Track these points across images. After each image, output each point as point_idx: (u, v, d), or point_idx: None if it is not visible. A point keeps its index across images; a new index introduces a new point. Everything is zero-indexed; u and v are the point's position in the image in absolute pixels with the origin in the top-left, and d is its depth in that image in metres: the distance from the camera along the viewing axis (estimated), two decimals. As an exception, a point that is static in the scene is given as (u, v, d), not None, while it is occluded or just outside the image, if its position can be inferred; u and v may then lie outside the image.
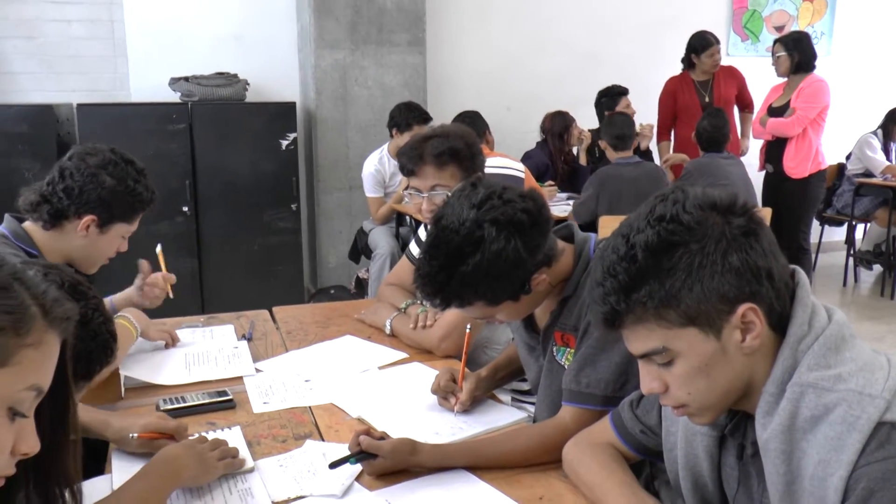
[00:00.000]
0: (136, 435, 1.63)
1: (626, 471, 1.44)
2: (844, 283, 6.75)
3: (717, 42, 5.66)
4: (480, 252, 1.53)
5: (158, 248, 2.55)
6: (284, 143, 5.24)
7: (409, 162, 2.30)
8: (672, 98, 5.78)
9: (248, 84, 5.37)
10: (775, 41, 5.45)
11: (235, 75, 5.33)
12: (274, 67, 5.72)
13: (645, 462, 1.58)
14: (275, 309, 2.77)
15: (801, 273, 1.19)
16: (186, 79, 5.19)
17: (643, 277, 1.10)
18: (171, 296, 2.48)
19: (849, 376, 1.06)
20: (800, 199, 5.28)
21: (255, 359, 2.26)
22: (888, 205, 6.30)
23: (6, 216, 2.19)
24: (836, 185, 6.85)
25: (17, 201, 2.18)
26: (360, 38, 5.39)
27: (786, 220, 5.28)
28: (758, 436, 1.13)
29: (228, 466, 1.57)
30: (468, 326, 1.99)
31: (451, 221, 1.56)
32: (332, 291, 5.31)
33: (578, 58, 6.49)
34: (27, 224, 2.16)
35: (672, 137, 5.89)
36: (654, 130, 5.74)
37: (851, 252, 6.78)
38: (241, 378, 2.12)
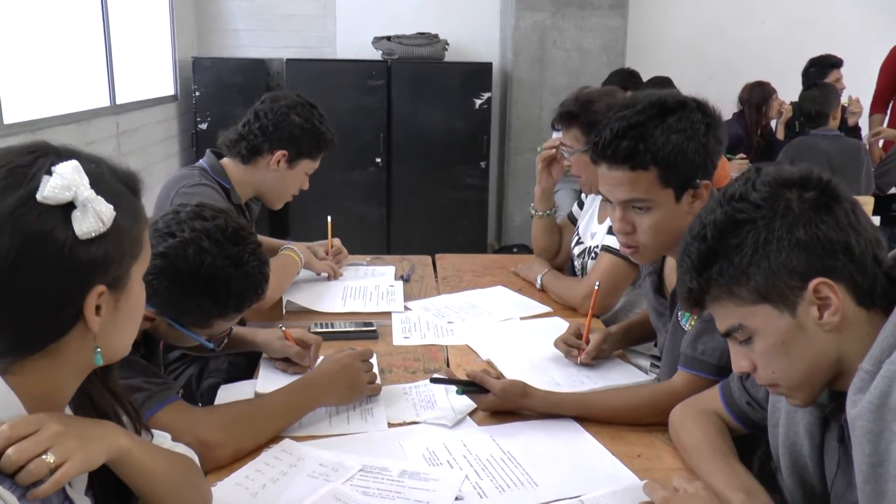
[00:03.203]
0: (283, 328, 1.85)
1: (725, 440, 1.43)
2: None
3: None
4: (681, 113, 1.58)
5: (329, 220, 2.70)
6: (478, 102, 5.36)
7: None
8: (894, 67, 5.29)
9: (448, 44, 5.52)
10: None
11: (436, 35, 5.49)
12: (474, 28, 5.85)
13: (760, 439, 1.54)
14: (437, 256, 2.90)
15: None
16: (388, 38, 5.42)
17: (713, 256, 1.11)
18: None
19: None
20: None
21: (408, 298, 2.40)
22: None
23: (207, 152, 2.43)
24: None
25: (218, 140, 2.43)
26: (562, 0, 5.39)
27: None
28: (847, 412, 1.09)
29: (373, 390, 1.70)
30: (597, 283, 2.00)
31: (657, 94, 1.64)
32: (515, 250, 5.40)
33: (789, 24, 6.09)
34: (225, 160, 2.39)
35: (889, 111, 5.40)
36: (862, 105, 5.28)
37: None
38: (389, 313, 2.26)
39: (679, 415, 1.52)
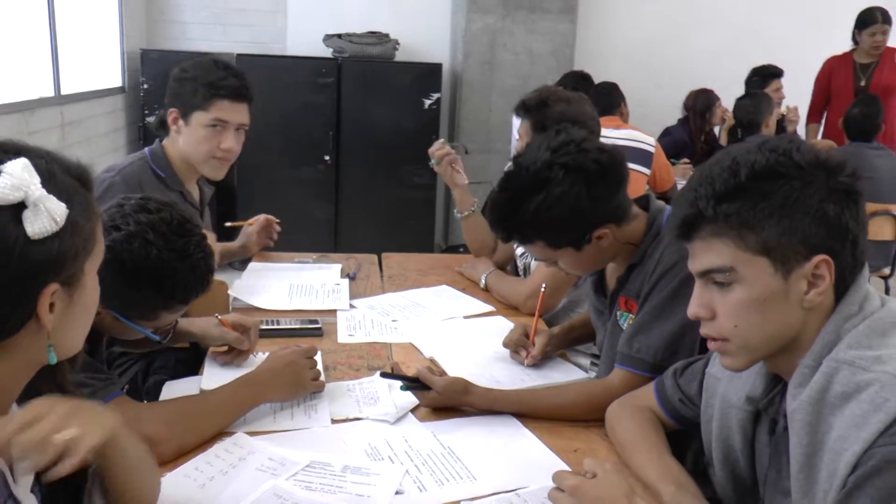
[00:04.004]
0: (218, 316, 1.88)
1: (658, 435, 1.48)
2: None
3: (886, 21, 5.25)
4: (545, 192, 1.59)
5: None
6: (427, 102, 5.41)
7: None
8: (827, 79, 5.46)
9: (398, 44, 5.55)
10: None
11: (387, 35, 5.52)
12: (425, 29, 5.89)
13: (694, 436, 1.60)
14: (383, 255, 2.93)
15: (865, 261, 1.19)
16: (339, 36, 5.43)
17: (739, 192, 1.11)
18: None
19: (888, 360, 1.05)
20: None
21: (353, 296, 2.42)
22: None
23: (157, 140, 2.39)
24: None
25: None
26: (511, 3, 5.45)
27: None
28: (787, 405, 1.14)
29: (317, 386, 1.73)
30: (543, 286, 2.05)
31: (527, 159, 1.64)
32: (461, 249, 5.42)
33: (735, 33, 6.26)
34: (165, 142, 2.35)
35: (823, 121, 5.59)
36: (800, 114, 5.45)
37: None
38: (335, 311, 2.28)
39: (615, 411, 1.58)
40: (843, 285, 1.13)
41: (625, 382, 1.65)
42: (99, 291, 1.04)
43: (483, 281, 2.55)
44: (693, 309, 1.20)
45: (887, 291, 4.92)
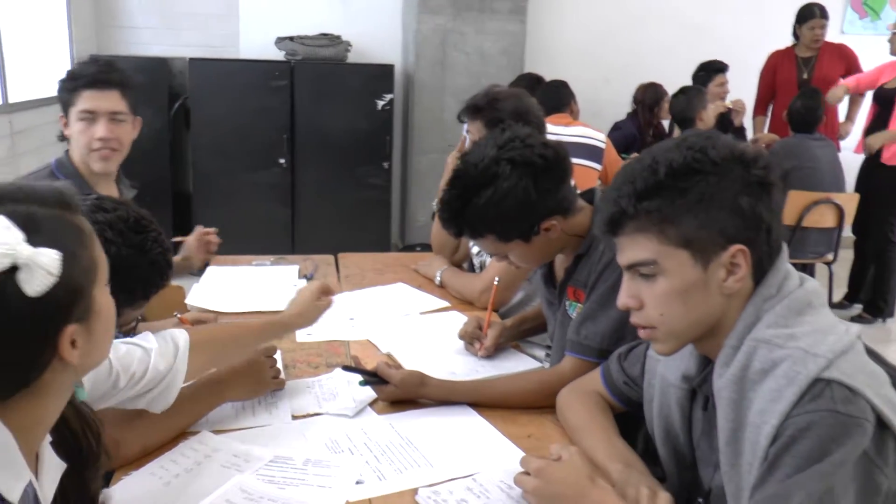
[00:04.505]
0: (178, 315, 1.92)
1: (607, 417, 1.55)
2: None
3: (823, 16, 5.43)
4: (493, 187, 1.66)
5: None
6: (380, 103, 5.44)
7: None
8: (772, 72, 5.63)
9: (351, 46, 5.58)
10: None
11: (339, 37, 5.55)
12: (377, 30, 5.93)
13: (643, 420, 1.68)
14: (340, 255, 2.97)
15: (783, 244, 1.26)
16: (291, 38, 5.44)
17: (658, 190, 1.17)
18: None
19: (801, 336, 1.13)
20: (891, 189, 5.08)
21: (311, 297, 2.45)
22: None
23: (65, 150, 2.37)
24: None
25: None
26: (462, 4, 5.50)
27: (875, 208, 5.11)
28: (714, 383, 1.21)
29: (277, 384, 1.77)
30: (496, 280, 2.12)
31: (474, 157, 1.71)
32: (418, 248, 5.50)
33: (681, 30, 6.40)
34: (69, 149, 2.34)
35: (769, 113, 5.75)
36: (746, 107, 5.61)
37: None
38: (293, 312, 2.32)
39: (565, 396, 1.65)
40: (761, 270, 1.20)
41: (574, 369, 1.72)
42: (113, 303, 1.03)
43: (438, 278, 2.60)
44: (622, 300, 1.26)
45: (831, 277, 5.08)
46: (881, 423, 1.07)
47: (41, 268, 0.86)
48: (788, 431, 1.07)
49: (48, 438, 1.02)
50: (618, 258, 1.26)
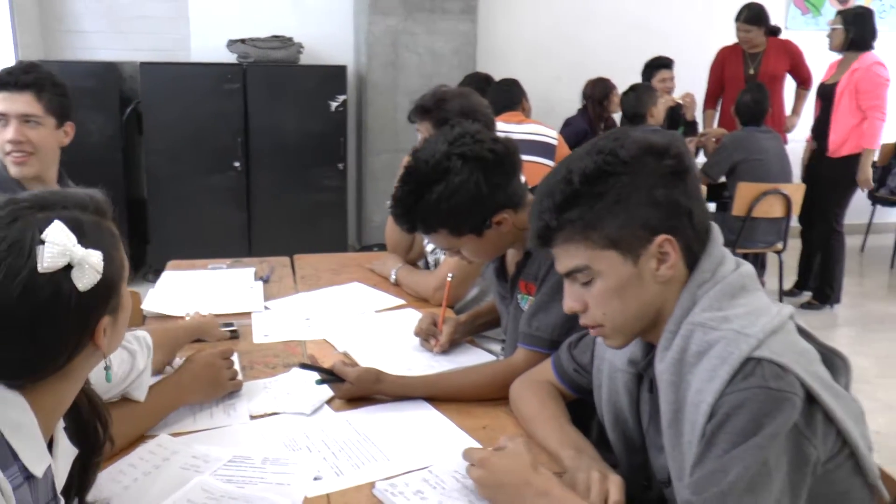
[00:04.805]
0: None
1: (558, 406, 1.60)
2: (892, 265, 6.67)
3: (747, 21, 5.54)
4: (445, 182, 1.70)
5: None
6: (334, 104, 5.45)
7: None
8: (720, 68, 5.76)
9: (303, 47, 5.57)
10: (837, 13, 5.36)
11: (290, 38, 5.53)
12: (329, 32, 5.92)
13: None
14: (296, 256, 2.98)
15: (716, 228, 1.31)
16: (243, 41, 5.42)
17: (576, 199, 1.22)
18: None
19: (734, 318, 1.18)
20: (836, 179, 5.22)
21: (268, 298, 2.47)
22: (941, 187, 6.21)
23: None
24: (892, 164, 6.74)
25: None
26: (412, 4, 5.53)
27: (820, 198, 5.25)
28: (655, 367, 1.26)
29: (235, 386, 1.79)
30: (450, 275, 2.15)
31: (425, 153, 1.74)
32: (376, 248, 5.51)
33: (628, 28, 6.51)
34: None
35: (719, 108, 5.87)
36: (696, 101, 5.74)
37: (901, 233, 6.70)
38: (249, 314, 2.34)
39: (517, 387, 1.69)
40: (692, 254, 1.25)
41: (527, 360, 1.76)
42: (130, 299, 1.19)
43: (393, 276, 2.63)
44: (567, 305, 1.31)
45: (781, 266, 5.20)
46: (810, 398, 1.12)
47: (91, 267, 1.02)
48: (723, 409, 1.12)
49: (62, 424, 1.13)
50: (556, 267, 1.31)
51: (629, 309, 1.26)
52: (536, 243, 1.30)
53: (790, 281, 5.74)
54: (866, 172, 5.14)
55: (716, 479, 1.10)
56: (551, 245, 1.28)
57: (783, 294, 5.61)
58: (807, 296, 5.61)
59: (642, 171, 1.21)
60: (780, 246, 5.06)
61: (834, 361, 1.24)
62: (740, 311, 1.19)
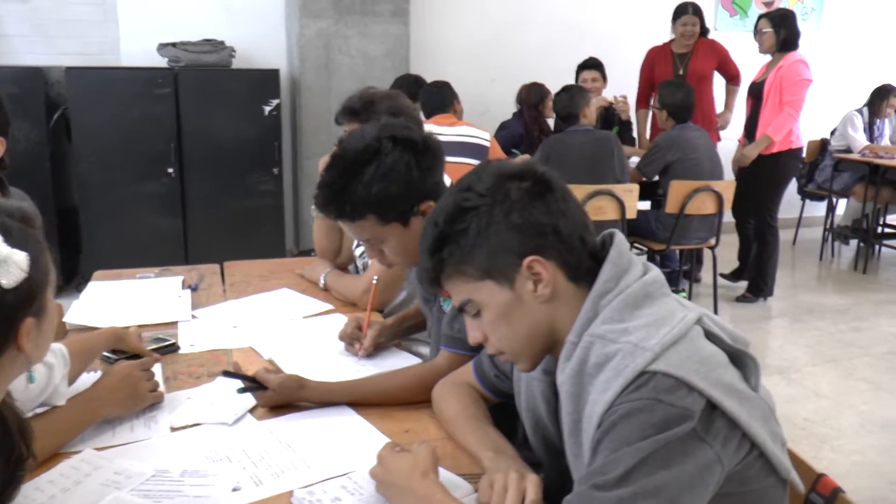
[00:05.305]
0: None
1: (479, 408, 1.61)
2: (821, 258, 6.87)
3: (695, 14, 5.70)
4: (377, 163, 1.70)
5: None
6: (267, 109, 5.40)
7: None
8: (650, 67, 5.88)
9: (235, 51, 5.51)
10: (760, 16, 5.47)
11: (222, 42, 5.47)
12: (261, 35, 5.88)
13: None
14: (226, 263, 2.95)
15: (619, 235, 1.32)
16: (174, 45, 5.34)
17: (444, 239, 1.26)
18: None
19: (634, 330, 1.18)
20: (767, 175, 5.35)
21: (196, 306, 2.44)
22: (865, 180, 6.40)
23: None
24: (819, 160, 6.94)
25: None
26: (343, 7, 5.51)
27: (754, 194, 5.39)
28: (557, 378, 1.27)
29: (155, 398, 1.75)
30: (375, 278, 2.16)
31: (353, 140, 1.76)
32: (313, 253, 5.46)
33: (563, 30, 6.59)
34: None
35: (651, 107, 5.98)
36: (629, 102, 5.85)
37: (828, 227, 6.90)
38: (176, 323, 2.30)
39: (439, 390, 1.70)
40: (572, 267, 1.27)
41: (450, 362, 1.77)
42: (55, 307, 1.21)
43: (322, 281, 2.62)
44: (471, 337, 1.35)
45: (715, 261, 5.31)
46: (712, 404, 1.12)
47: (16, 264, 1.07)
48: (610, 418, 1.12)
49: None
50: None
51: (519, 333, 1.28)
52: (426, 287, 1.34)
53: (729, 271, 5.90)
54: (751, 152, 5.28)
55: (592, 477, 1.11)
56: (440, 285, 1.32)
57: (726, 277, 5.76)
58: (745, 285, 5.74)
59: (499, 200, 1.24)
60: (712, 242, 5.17)
61: (744, 361, 1.24)
62: (641, 323, 1.19)
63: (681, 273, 5.50)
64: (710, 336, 1.23)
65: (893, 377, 4.44)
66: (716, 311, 5.19)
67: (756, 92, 5.42)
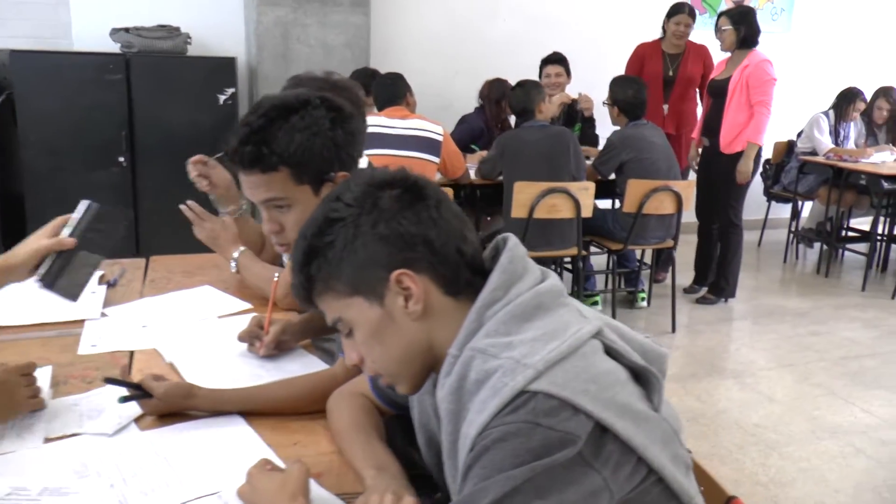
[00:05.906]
0: None
1: (370, 420, 1.51)
2: (785, 260, 6.83)
3: (690, 15, 5.63)
4: (304, 112, 1.65)
5: None
6: (222, 97, 5.28)
7: None
8: (640, 63, 5.80)
9: (190, 38, 5.38)
10: (720, 14, 5.44)
11: (177, 28, 5.34)
12: (218, 22, 5.75)
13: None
14: (151, 258, 2.84)
15: (512, 240, 1.22)
16: (127, 30, 5.20)
17: (311, 253, 1.17)
18: None
19: (519, 344, 1.08)
20: (729, 175, 5.30)
21: (109, 304, 2.33)
22: (829, 183, 6.37)
23: None
24: (785, 161, 6.90)
25: None
26: (303, -5, 5.41)
27: (716, 194, 5.34)
28: (437, 395, 1.18)
29: (35, 405, 1.64)
30: (276, 275, 2.06)
31: (283, 92, 1.73)
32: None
33: (530, 22, 6.49)
34: None
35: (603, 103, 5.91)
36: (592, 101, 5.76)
37: (793, 229, 6.86)
38: (82, 321, 2.19)
39: (333, 400, 1.60)
40: (449, 280, 1.17)
41: (347, 371, 1.67)
42: None
43: (234, 265, 2.42)
44: (348, 359, 1.26)
45: (673, 263, 5.25)
46: (604, 426, 1.04)
47: None
48: (483, 442, 1.03)
49: None
50: None
51: (394, 353, 1.19)
52: (302, 304, 1.24)
53: (685, 276, 5.83)
54: (747, 165, 5.24)
55: None
56: (312, 303, 1.22)
57: (685, 291, 5.71)
58: (704, 291, 5.69)
59: (366, 210, 1.15)
60: (671, 242, 5.11)
61: (648, 378, 1.15)
62: (528, 336, 1.09)
63: (639, 273, 5.44)
64: (610, 351, 1.14)
65: (846, 383, 4.40)
66: (674, 313, 5.13)
67: (717, 90, 5.36)
